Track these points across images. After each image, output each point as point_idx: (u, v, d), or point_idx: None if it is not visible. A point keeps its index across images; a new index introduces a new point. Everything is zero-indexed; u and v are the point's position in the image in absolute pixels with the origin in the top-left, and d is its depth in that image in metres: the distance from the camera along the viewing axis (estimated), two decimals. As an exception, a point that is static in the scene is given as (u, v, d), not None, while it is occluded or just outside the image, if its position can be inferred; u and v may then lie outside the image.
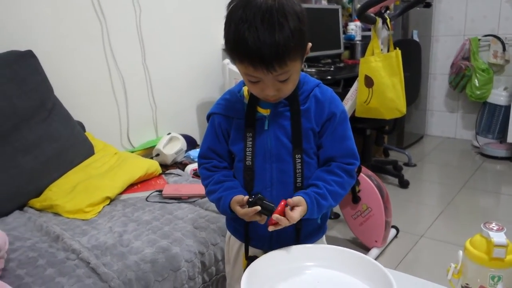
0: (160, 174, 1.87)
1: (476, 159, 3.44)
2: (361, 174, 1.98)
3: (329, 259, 0.87)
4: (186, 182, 1.79)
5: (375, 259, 1.97)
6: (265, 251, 0.89)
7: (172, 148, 2.20)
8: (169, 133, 2.29)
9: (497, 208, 2.63)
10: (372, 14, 2.02)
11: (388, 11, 2.06)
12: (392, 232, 2.18)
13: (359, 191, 2.00)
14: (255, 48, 0.76)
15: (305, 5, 2.84)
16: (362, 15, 1.99)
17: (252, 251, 0.98)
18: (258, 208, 0.83)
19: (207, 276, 1.31)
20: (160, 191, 1.66)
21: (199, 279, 1.28)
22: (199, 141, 2.55)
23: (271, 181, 0.92)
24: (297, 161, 0.90)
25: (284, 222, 0.83)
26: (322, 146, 0.93)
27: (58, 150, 1.67)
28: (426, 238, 2.20)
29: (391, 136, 3.57)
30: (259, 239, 0.96)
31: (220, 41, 2.63)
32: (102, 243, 1.27)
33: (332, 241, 2.14)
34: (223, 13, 0.83)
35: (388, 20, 2.01)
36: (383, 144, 3.43)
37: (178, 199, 1.61)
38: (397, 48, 1.97)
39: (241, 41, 0.78)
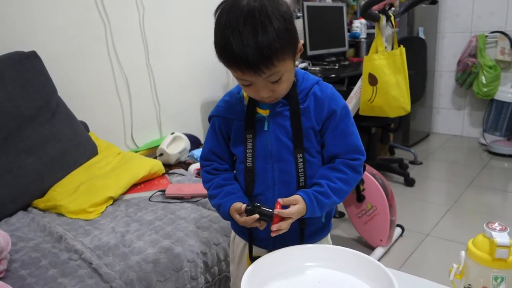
0: (163, 174, 1.87)
1: (483, 157, 3.40)
2: (365, 172, 1.97)
3: (330, 259, 0.86)
4: (189, 182, 1.78)
5: (380, 258, 1.97)
6: (270, 251, 0.89)
7: (176, 147, 2.20)
8: (172, 133, 2.29)
9: (504, 206, 2.60)
10: (376, 12, 2.00)
11: (392, 8, 2.03)
12: (398, 231, 2.17)
13: (363, 189, 1.99)
14: (240, 52, 0.76)
15: (309, 3, 2.84)
16: (365, 13, 1.97)
17: (256, 250, 0.98)
18: (257, 216, 0.83)
19: (209, 276, 1.31)
20: (163, 191, 1.66)
21: (201, 279, 1.27)
22: (202, 140, 2.54)
23: (273, 182, 0.92)
24: (299, 161, 0.90)
25: (285, 227, 0.83)
26: (325, 144, 0.92)
27: (62, 150, 1.68)
28: (432, 237, 2.19)
29: (396, 134, 3.55)
30: (263, 239, 0.96)
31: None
32: (104, 243, 1.27)
33: (337, 240, 2.14)
34: None
35: (392, 18, 1.99)
36: (389, 142, 3.41)
37: (181, 198, 1.61)
38: (401, 46, 1.95)
39: (226, 46, 0.78)
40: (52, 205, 1.54)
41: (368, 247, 2.04)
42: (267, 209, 0.83)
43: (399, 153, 3.50)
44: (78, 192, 1.56)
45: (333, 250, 0.89)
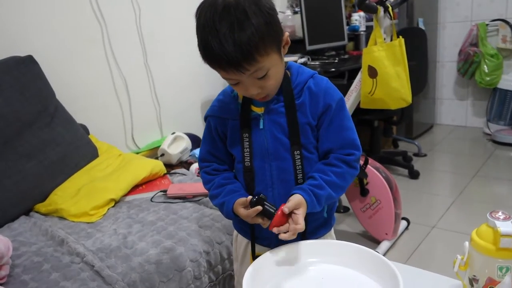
0: (165, 174, 1.86)
1: (488, 147, 3.37)
2: (369, 166, 1.95)
3: (334, 255, 0.85)
4: (191, 181, 1.77)
5: (386, 252, 1.95)
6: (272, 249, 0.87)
7: (177, 147, 2.19)
8: (173, 133, 2.28)
9: (511, 196, 2.57)
10: (374, 3, 1.98)
11: (390, -1, 2.01)
12: (403, 224, 2.15)
13: (367, 183, 1.97)
14: (219, 51, 0.75)
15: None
16: (362, 4, 1.95)
17: (259, 249, 0.97)
18: (260, 208, 0.82)
19: (213, 275, 1.30)
20: (165, 191, 1.65)
21: (205, 279, 1.26)
22: (204, 140, 2.53)
23: (271, 180, 0.91)
24: (296, 157, 0.88)
25: (291, 236, 0.80)
26: (319, 139, 0.90)
27: (62, 154, 1.67)
28: (438, 229, 2.17)
29: (400, 127, 3.53)
30: (265, 237, 0.95)
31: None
32: (106, 246, 1.26)
33: (341, 235, 2.13)
34: None
35: (390, 9, 1.97)
36: (392, 135, 3.38)
37: (183, 198, 1.60)
38: (400, 37, 1.93)
39: (206, 47, 0.77)
40: (54, 209, 1.54)
41: (373, 241, 2.03)
42: (270, 208, 0.82)
43: (403, 145, 3.47)
44: (79, 195, 1.55)
45: (335, 245, 0.88)
